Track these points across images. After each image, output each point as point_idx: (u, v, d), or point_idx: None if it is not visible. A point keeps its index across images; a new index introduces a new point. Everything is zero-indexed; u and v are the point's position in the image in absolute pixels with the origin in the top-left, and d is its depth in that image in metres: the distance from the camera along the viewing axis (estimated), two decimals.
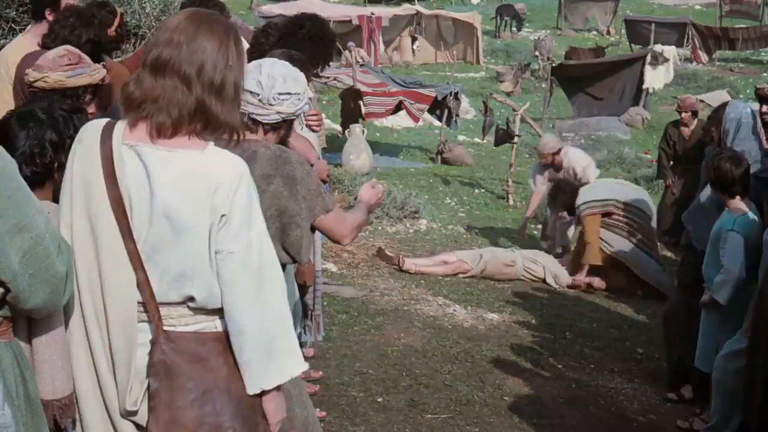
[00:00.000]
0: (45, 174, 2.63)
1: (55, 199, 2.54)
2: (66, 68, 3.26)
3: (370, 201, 3.31)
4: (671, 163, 9.92)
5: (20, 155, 2.59)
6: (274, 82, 3.08)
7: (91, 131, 2.38)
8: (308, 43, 4.80)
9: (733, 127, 5.47)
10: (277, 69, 3.13)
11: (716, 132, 5.63)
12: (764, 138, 5.52)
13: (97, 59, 4.39)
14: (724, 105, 5.82)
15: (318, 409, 4.46)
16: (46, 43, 4.13)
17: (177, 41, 2.30)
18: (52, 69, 3.25)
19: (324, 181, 4.65)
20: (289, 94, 3.11)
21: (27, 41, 4.84)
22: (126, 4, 7.54)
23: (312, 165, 3.99)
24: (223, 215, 2.29)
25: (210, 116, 2.33)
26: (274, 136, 3.17)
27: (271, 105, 3.09)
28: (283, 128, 3.20)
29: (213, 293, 2.33)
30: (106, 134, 2.35)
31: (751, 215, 4.99)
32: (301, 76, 3.22)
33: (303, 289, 4.67)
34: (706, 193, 5.41)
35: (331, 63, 9.09)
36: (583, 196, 8.22)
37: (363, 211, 3.26)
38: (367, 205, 3.29)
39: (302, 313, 4.72)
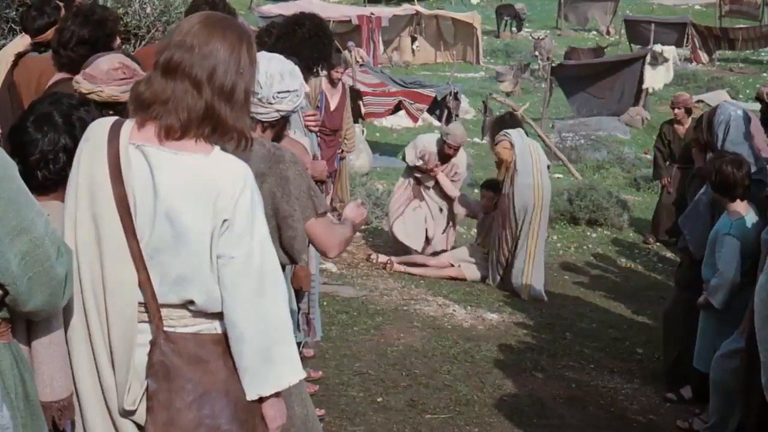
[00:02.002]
0: (57, 180, 2.61)
1: None
2: (120, 82, 3.19)
3: (356, 220, 3.27)
4: (667, 162, 9.93)
5: (34, 160, 2.58)
6: (272, 81, 3.09)
7: (98, 130, 2.38)
8: (308, 42, 4.79)
9: (722, 130, 5.47)
10: (273, 66, 3.14)
11: (704, 135, 5.63)
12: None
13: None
14: (714, 109, 5.81)
15: (318, 409, 4.47)
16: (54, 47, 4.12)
17: (190, 44, 2.30)
18: (106, 82, 3.17)
19: (322, 181, 4.66)
20: (288, 91, 3.12)
21: (26, 42, 4.84)
22: (126, 5, 7.54)
23: (306, 169, 3.99)
24: (225, 220, 2.29)
25: (219, 121, 2.32)
26: (271, 133, 3.18)
27: (270, 104, 3.10)
28: (280, 124, 3.21)
29: (213, 297, 2.33)
30: (114, 133, 2.34)
31: (751, 217, 5.00)
32: (297, 70, 3.22)
33: (299, 294, 4.67)
34: (700, 196, 5.42)
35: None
36: (510, 131, 8.04)
37: (350, 228, 3.24)
38: (353, 223, 3.26)
39: (297, 317, 4.72)
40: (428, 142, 8.48)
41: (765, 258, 4.24)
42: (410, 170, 8.60)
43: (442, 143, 8.33)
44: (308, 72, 4.74)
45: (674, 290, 6.08)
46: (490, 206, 8.28)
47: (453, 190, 8.38)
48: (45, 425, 2.31)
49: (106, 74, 3.20)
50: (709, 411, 4.97)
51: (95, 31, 4.14)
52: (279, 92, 3.10)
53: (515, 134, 8.03)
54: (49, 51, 4.16)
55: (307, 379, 4.78)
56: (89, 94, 3.12)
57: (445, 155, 8.32)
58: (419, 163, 8.36)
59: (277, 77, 3.10)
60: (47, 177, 2.59)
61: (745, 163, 5.05)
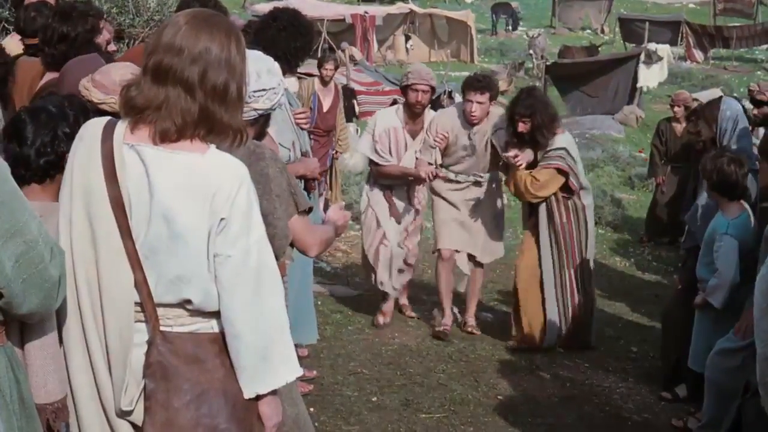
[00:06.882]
0: (57, 164, 2.60)
1: None
2: None
3: (338, 222, 3.25)
4: (662, 161, 9.93)
5: (31, 145, 2.60)
6: (249, 80, 3.07)
7: (91, 129, 2.37)
8: (283, 33, 4.74)
9: (730, 125, 5.39)
10: (250, 64, 3.12)
11: (707, 131, 5.56)
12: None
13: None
14: (716, 102, 5.71)
15: (312, 408, 4.46)
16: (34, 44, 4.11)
17: (178, 47, 2.27)
18: (119, 93, 3.16)
19: (315, 179, 4.65)
20: (264, 90, 3.10)
21: (15, 44, 4.83)
22: (120, 5, 7.55)
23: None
24: (222, 219, 2.28)
25: (214, 122, 2.31)
26: (252, 131, 3.17)
27: (247, 103, 3.08)
28: (260, 122, 3.20)
29: (210, 296, 2.32)
30: (107, 133, 2.33)
31: (747, 216, 4.95)
32: (275, 66, 3.21)
33: None
34: (705, 196, 5.36)
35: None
36: (565, 142, 6.29)
37: (332, 229, 3.22)
38: (335, 225, 3.24)
39: None
40: (388, 119, 6.63)
41: (766, 252, 4.23)
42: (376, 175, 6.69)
43: (407, 92, 6.41)
44: (289, 65, 4.68)
45: (675, 291, 5.98)
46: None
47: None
48: (41, 427, 2.30)
49: (118, 85, 3.15)
50: (703, 409, 4.96)
51: (75, 27, 4.12)
52: (255, 91, 3.07)
53: (572, 144, 6.33)
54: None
55: (301, 378, 4.77)
56: (101, 104, 3.07)
57: (414, 105, 6.46)
58: (384, 154, 6.51)
59: (253, 76, 3.08)
60: (49, 161, 2.60)
61: (745, 162, 5.00)
